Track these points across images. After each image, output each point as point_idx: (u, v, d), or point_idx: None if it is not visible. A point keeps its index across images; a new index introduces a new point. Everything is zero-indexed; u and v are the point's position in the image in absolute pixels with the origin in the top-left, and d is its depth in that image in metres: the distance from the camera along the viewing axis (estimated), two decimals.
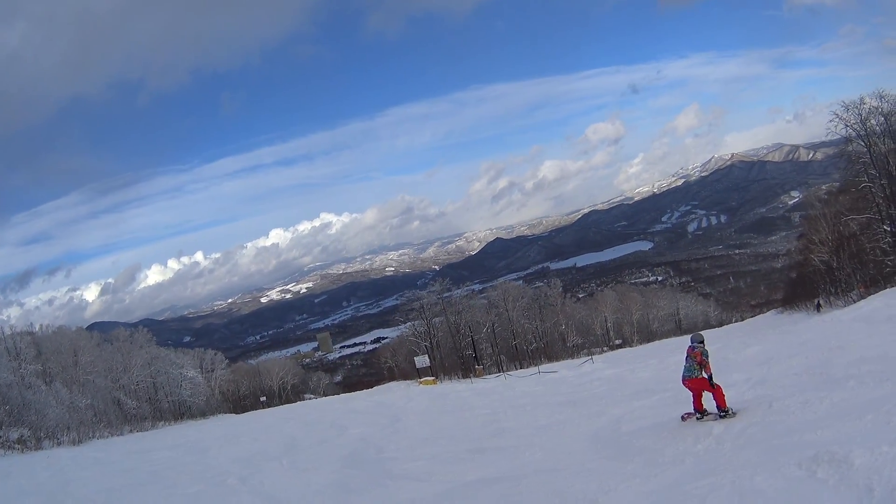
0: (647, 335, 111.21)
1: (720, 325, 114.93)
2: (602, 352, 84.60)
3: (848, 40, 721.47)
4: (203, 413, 71.38)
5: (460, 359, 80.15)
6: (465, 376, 69.00)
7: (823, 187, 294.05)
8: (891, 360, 15.48)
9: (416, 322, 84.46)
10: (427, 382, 60.45)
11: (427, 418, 30.06)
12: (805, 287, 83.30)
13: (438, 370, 72.59)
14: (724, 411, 14.94)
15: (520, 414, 25.23)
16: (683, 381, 15.60)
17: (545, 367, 63.53)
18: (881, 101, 58.36)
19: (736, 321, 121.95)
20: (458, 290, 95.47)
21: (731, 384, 17.87)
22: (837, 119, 59.87)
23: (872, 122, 58.38)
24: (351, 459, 20.27)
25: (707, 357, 15.16)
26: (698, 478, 10.20)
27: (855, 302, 48.39)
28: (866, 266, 62.77)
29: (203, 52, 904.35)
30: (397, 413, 33.64)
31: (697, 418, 15.50)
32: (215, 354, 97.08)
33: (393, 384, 68.23)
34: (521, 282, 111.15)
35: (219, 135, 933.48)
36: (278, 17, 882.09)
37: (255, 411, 68.60)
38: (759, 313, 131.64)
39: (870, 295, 45.55)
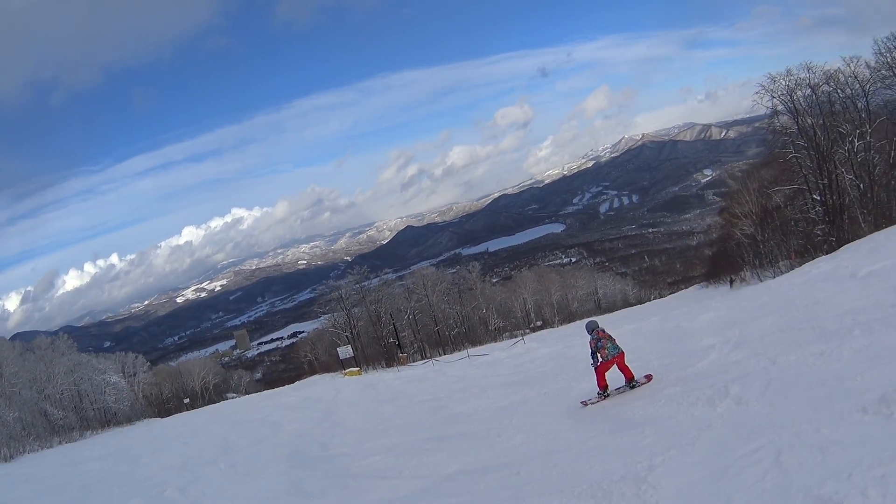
0: (568, 315, 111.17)
1: (639, 302, 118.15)
2: (524, 333, 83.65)
3: (762, 20, 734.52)
4: (129, 419, 68.45)
5: (383, 347, 79.36)
6: (390, 365, 68.46)
7: (740, 163, 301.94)
8: (888, 307, 14.71)
9: (336, 313, 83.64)
10: (352, 373, 59.11)
11: (363, 409, 28.73)
12: (728, 261, 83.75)
13: (361, 360, 71.59)
14: (633, 382, 16.04)
15: (467, 398, 24.06)
16: (611, 359, 15.95)
17: (475, 350, 63.08)
18: (809, 73, 58.49)
19: (655, 298, 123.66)
20: (375, 280, 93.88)
21: (708, 347, 18.09)
22: (763, 90, 59.68)
23: (799, 94, 58.72)
24: (296, 459, 18.88)
25: (601, 344, 16.10)
26: (746, 440, 9.01)
27: (784, 272, 49.79)
28: (792, 237, 64.10)
29: (116, 48, 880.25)
30: (329, 406, 32.40)
31: (606, 395, 16.19)
32: (136, 358, 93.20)
33: (316, 377, 63.84)
34: (434, 269, 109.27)
35: (130, 133, 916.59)
36: (190, 8, 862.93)
37: (179, 414, 64.41)
38: (677, 290, 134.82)
39: (803, 264, 45.52)
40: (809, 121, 58.21)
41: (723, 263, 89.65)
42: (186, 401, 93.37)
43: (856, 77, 57.20)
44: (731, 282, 78.69)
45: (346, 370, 60.95)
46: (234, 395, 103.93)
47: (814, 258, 45.90)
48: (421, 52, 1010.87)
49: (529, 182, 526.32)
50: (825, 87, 58.11)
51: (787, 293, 26.08)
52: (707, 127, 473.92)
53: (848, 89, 57.75)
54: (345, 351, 64.77)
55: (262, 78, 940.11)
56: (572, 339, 38.42)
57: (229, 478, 17.61)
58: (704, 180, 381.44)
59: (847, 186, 55.75)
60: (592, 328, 16.55)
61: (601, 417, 14.33)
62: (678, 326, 26.45)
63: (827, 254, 43.65)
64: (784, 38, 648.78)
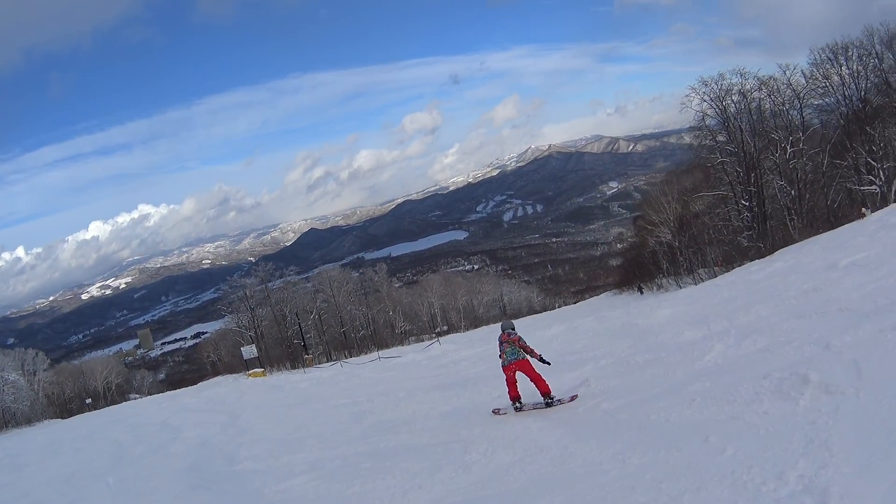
0: (474, 320, 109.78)
1: (545, 309, 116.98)
2: (431, 337, 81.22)
3: (679, 38, 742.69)
4: (29, 419, 65.89)
5: (288, 349, 77.48)
6: (295, 366, 66.77)
7: (646, 176, 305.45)
8: None
9: (240, 313, 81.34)
10: (256, 374, 56.76)
11: (272, 414, 25.03)
12: (642, 269, 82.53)
13: (266, 361, 69.73)
14: (550, 398, 14.47)
15: (395, 402, 20.71)
16: (509, 365, 14.83)
17: (386, 352, 60.62)
18: (742, 79, 58.75)
19: (560, 306, 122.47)
20: (279, 280, 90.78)
21: (700, 340, 16.51)
22: (694, 93, 59.99)
23: (729, 99, 58.91)
24: (196, 475, 15.28)
25: (523, 340, 15.03)
26: None
27: (707, 279, 49.97)
28: (713, 244, 63.31)
29: (38, 31, 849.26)
30: (233, 409, 28.79)
31: (517, 408, 14.84)
32: (36, 355, 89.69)
33: (220, 378, 62.81)
34: (340, 269, 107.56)
35: (42, 122, 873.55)
36: None
37: (81, 415, 61.24)
38: (583, 299, 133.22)
39: (731, 270, 45.18)
40: (740, 126, 58.11)
41: (636, 271, 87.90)
42: (88, 401, 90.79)
43: (790, 85, 57.44)
44: (641, 289, 79.42)
45: (251, 371, 58.89)
46: (137, 395, 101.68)
47: (741, 265, 45.01)
48: (334, 54, 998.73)
49: (434, 188, 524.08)
50: (757, 94, 58.31)
51: (754, 287, 24.58)
52: (615, 140, 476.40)
53: (781, 97, 57.94)
54: (249, 351, 62.28)
55: (177, 72, 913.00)
56: (494, 341, 35.93)
57: (117, 498, 14.34)
58: (610, 192, 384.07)
59: (777, 193, 55.79)
60: (505, 328, 15.44)
61: (613, 425, 11.19)
62: (632, 324, 24.57)
63: (758, 259, 43.35)
64: (700, 57, 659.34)
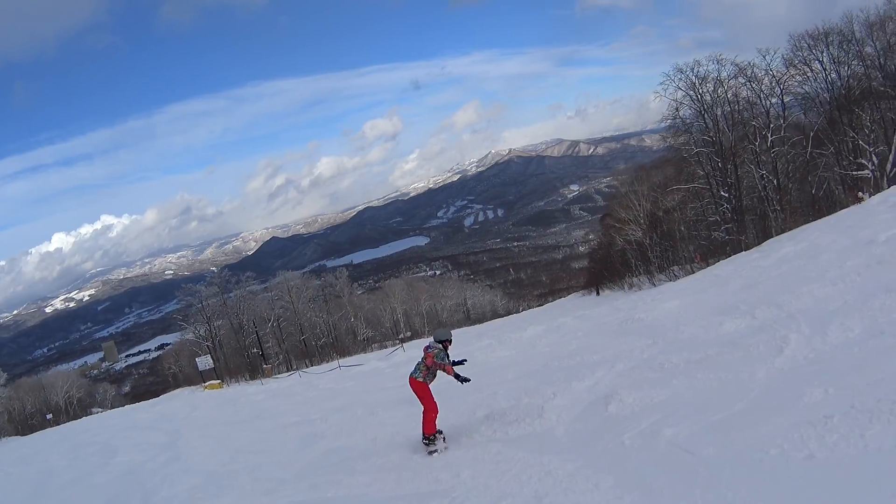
0: (438, 325, 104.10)
1: (508, 313, 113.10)
2: (395, 344, 77.80)
3: (639, 40, 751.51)
4: None
5: (246, 358, 74.98)
6: (254, 377, 64.11)
7: (607, 179, 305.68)
8: None
9: (197, 323, 79.01)
10: (212, 386, 54.49)
11: (215, 434, 21.96)
12: (610, 268, 79.09)
13: (224, 372, 67.97)
14: (426, 437, 12.69)
15: (352, 421, 17.44)
16: (409, 379, 13.03)
17: (347, 360, 57.68)
18: (718, 66, 55.87)
19: (524, 310, 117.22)
20: (243, 290, 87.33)
21: (751, 331, 13.32)
22: (669, 80, 56.77)
23: (705, 87, 56.26)
24: None
25: (442, 358, 12.68)
26: None
27: (683, 276, 48.04)
28: (686, 240, 61.69)
29: None
30: (179, 427, 26.08)
31: (426, 443, 12.69)
32: None
33: (179, 391, 61.80)
34: (300, 275, 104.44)
35: (2, 132, 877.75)
36: (78, 1, 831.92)
37: (40, 431, 58.61)
38: (546, 301, 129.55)
39: (712, 264, 42.50)
40: (716, 115, 55.86)
41: (604, 272, 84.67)
42: (49, 416, 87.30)
43: (769, 71, 55.04)
44: (598, 291, 79.71)
45: (207, 383, 56.65)
46: (100, 409, 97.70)
47: (724, 258, 42.64)
48: (294, 62, 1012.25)
49: (395, 195, 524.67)
50: (734, 82, 55.86)
51: (771, 273, 21.53)
52: (576, 143, 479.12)
53: (760, 84, 55.68)
54: (204, 362, 60.15)
55: (139, 80, 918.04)
56: (471, 344, 32.44)
57: None
58: (571, 195, 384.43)
59: (756, 184, 53.93)
60: (441, 338, 13.02)
61: (701, 470, 7.17)
62: (634, 319, 20.87)
63: (742, 252, 40.30)
64: (661, 59, 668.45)
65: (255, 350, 75.13)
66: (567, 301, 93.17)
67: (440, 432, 12.78)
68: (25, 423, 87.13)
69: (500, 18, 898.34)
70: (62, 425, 59.03)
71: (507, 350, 24.56)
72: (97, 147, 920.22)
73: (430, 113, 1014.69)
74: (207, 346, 73.47)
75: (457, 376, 12.53)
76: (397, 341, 77.61)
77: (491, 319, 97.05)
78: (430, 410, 12.59)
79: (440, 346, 12.84)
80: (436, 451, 12.34)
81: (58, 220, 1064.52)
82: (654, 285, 53.86)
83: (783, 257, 24.43)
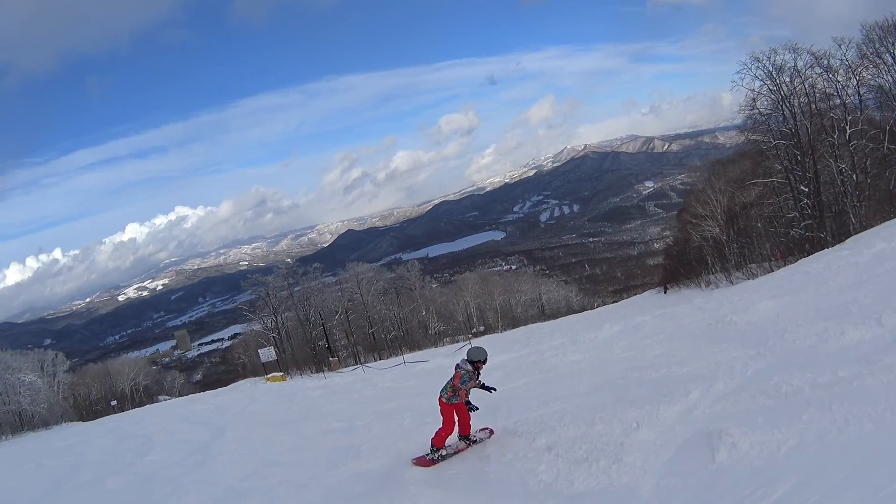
0: (512, 321, 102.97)
1: (583, 309, 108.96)
2: (467, 339, 75.57)
3: (710, 37, 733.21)
4: (46, 422, 63.81)
5: (312, 351, 73.22)
6: (320, 370, 62.09)
7: (682, 176, 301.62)
8: None
9: (263, 314, 78.62)
10: (275, 379, 53.16)
11: (256, 435, 21.10)
12: (686, 266, 75.61)
13: (290, 364, 66.56)
14: (433, 448, 12.28)
15: (395, 435, 15.61)
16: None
17: (413, 356, 55.15)
18: (795, 55, 52.73)
19: (599, 306, 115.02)
20: (306, 282, 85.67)
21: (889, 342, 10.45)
22: (746, 69, 53.57)
23: (782, 78, 52.89)
24: None
25: (464, 382, 11.99)
26: None
27: (772, 271, 43.81)
28: (763, 237, 58.49)
29: (74, 34, 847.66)
30: (227, 423, 25.37)
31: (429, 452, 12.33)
32: (56, 356, 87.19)
33: (243, 382, 60.66)
34: (370, 266, 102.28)
35: (77, 126, 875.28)
36: None
37: (103, 418, 59.40)
38: (621, 298, 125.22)
39: (794, 262, 40.25)
40: (794, 107, 52.44)
41: (680, 269, 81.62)
42: (114, 403, 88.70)
43: (845, 61, 51.92)
44: (665, 289, 79.14)
45: (269, 375, 54.91)
46: (167, 397, 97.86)
47: (801, 257, 41.56)
48: (367, 57, 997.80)
49: (471, 189, 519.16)
50: (809, 72, 52.44)
51: (876, 270, 19.44)
52: (650, 139, 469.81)
53: (835, 75, 52.31)
54: (266, 353, 59.07)
55: (212, 75, 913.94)
56: (538, 344, 30.94)
57: None
58: (646, 192, 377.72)
59: (835, 179, 50.95)
60: (474, 358, 12.15)
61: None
62: (725, 321, 17.98)
63: (824, 248, 38.85)
64: (732, 56, 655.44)
65: (322, 343, 73.54)
66: (642, 298, 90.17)
67: (473, 441, 12.44)
68: (90, 409, 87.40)
69: (572, 14, 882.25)
70: (123, 413, 59.89)
71: (581, 353, 21.77)
72: (171, 140, 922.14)
73: (505, 108, 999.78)
74: (273, 337, 72.18)
75: (467, 403, 12.23)
76: (470, 336, 75.66)
77: (565, 315, 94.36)
78: (447, 426, 12.16)
79: (471, 367, 12.04)
80: (435, 460, 12.04)
81: (132, 211, 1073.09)
82: (732, 283, 51.54)
83: (879, 255, 22.35)
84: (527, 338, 44.95)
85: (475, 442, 12.45)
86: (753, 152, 58.42)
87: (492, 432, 12.67)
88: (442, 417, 12.21)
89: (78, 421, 66.94)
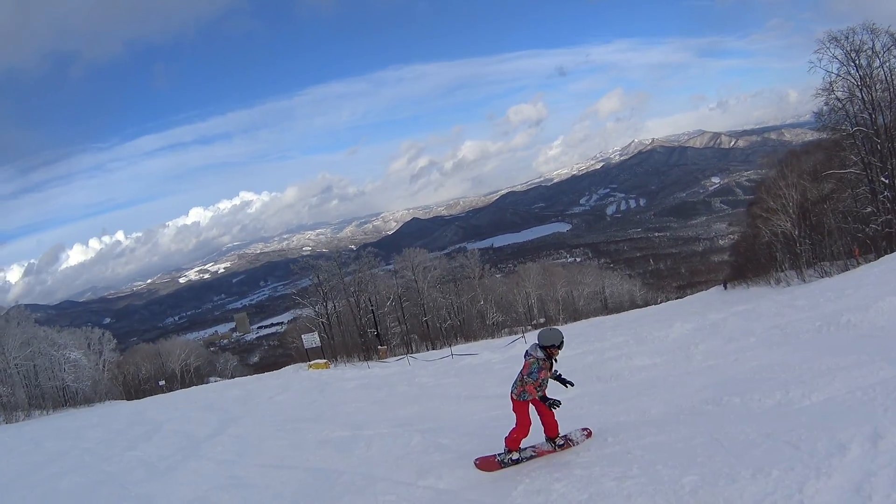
0: (573, 314, 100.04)
1: (646, 304, 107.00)
2: (526, 330, 71.94)
3: (776, 33, 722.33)
4: (89, 400, 63.68)
5: (362, 338, 70.58)
6: (368, 357, 59.69)
7: (748, 172, 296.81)
8: None
9: (314, 299, 76.48)
10: (317, 366, 50.03)
11: (257, 435, 17.59)
12: (755, 262, 72.10)
13: (338, 351, 63.79)
14: (506, 449, 9.98)
15: (396, 458, 11.87)
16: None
17: (460, 348, 51.91)
18: (873, 37, 48.26)
19: (662, 301, 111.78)
20: (358, 268, 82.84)
21: None
22: (824, 48, 49.14)
23: (862, 60, 48.63)
24: None
25: (531, 374, 9.64)
26: None
27: (852, 268, 40.55)
28: (832, 234, 54.14)
29: (140, 22, 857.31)
30: (244, 414, 23.21)
31: (559, 445, 9.99)
32: (104, 334, 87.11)
33: (288, 368, 57.10)
34: (427, 252, 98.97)
35: (141, 112, 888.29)
36: None
37: (148, 398, 58.87)
38: (685, 295, 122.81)
39: (870, 260, 39.13)
40: (875, 92, 48.44)
41: (749, 265, 77.44)
42: (162, 383, 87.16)
43: None
44: (725, 285, 77.90)
45: (312, 362, 51.82)
46: (217, 378, 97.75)
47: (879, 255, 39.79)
48: (436, 47, 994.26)
49: (538, 180, 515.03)
50: (887, 55, 48.23)
51: None
52: (717, 135, 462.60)
53: None
54: (310, 339, 55.98)
55: (278, 64, 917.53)
56: (600, 341, 26.42)
57: None
58: (712, 188, 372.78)
59: None
60: (547, 343, 9.64)
61: None
62: (837, 322, 14.37)
63: None
64: (797, 52, 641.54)
65: (372, 330, 71.22)
66: (708, 294, 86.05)
67: (561, 444, 9.99)
68: (138, 389, 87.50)
69: (641, 7, 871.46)
70: (164, 394, 58.96)
71: (649, 356, 17.82)
72: (236, 127, 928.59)
73: (574, 100, 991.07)
74: (322, 322, 70.80)
75: (544, 398, 9.85)
76: (529, 327, 72.18)
77: (628, 310, 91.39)
78: (521, 427, 9.77)
79: (543, 353, 9.72)
80: (505, 463, 9.87)
81: (196, 196, 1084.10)
82: (805, 281, 48.21)
83: None
84: (586, 332, 40.87)
85: (567, 444, 10.01)
86: (828, 143, 54.91)
87: (590, 433, 10.30)
88: (515, 416, 9.87)
89: (122, 399, 67.67)
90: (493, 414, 13.71)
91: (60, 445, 20.88)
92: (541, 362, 9.66)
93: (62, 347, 68.71)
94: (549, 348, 9.68)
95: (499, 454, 10.00)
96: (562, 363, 19.76)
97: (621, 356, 18.37)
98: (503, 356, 31.74)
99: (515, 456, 9.87)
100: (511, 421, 9.78)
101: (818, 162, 58.10)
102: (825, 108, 51.40)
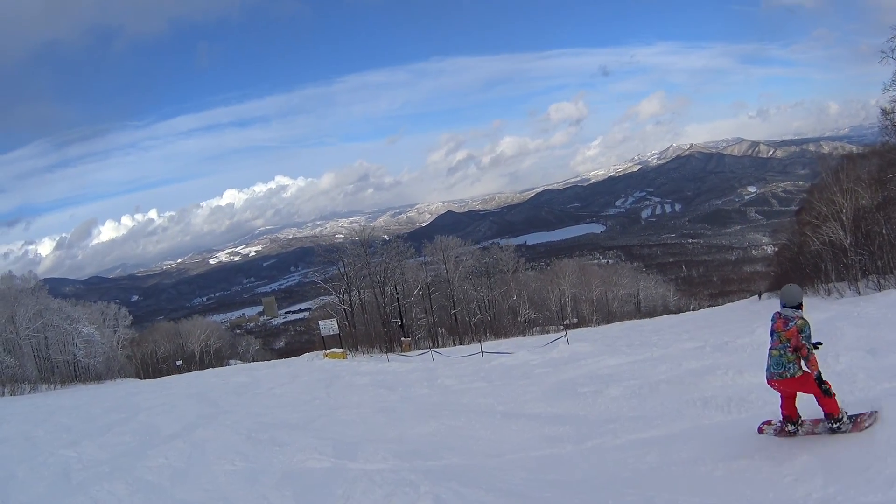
0: (607, 315, 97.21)
1: (679, 310, 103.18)
2: (558, 330, 68.69)
3: (820, 43, 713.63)
4: (100, 376, 60.77)
5: (385, 328, 67.35)
6: (391, 349, 57.00)
7: (785, 184, 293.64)
8: None
9: (338, 284, 73.96)
10: (333, 355, 47.51)
11: (215, 446, 13.38)
12: (800, 271, 66.70)
13: (359, 340, 61.17)
14: (835, 420, 8.42)
15: None
16: (771, 381, 8.71)
17: (490, 345, 47.07)
18: None
19: (694, 308, 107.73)
20: (385, 257, 79.74)
21: None
22: None
23: None
24: None
25: (808, 338, 8.36)
26: None
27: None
28: (884, 246, 49.53)
29: (187, 1, 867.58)
30: (226, 409, 19.96)
31: (791, 431, 8.88)
32: (119, 310, 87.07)
33: (305, 355, 54.37)
34: (460, 240, 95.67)
35: (180, 91, 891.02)
36: None
37: (161, 378, 57.72)
38: (717, 303, 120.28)
39: None
40: None
41: (791, 273, 73.35)
42: (179, 363, 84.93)
43: None
44: (760, 295, 75.65)
45: (329, 351, 49.46)
46: (237, 361, 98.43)
47: None
48: (478, 40, 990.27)
49: (575, 180, 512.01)
50: None
51: None
52: (756, 144, 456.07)
53: None
54: (327, 326, 53.19)
55: (320, 49, 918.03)
56: (661, 345, 23.04)
57: None
58: (748, 196, 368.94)
59: None
60: (784, 302, 8.66)
61: None
62: None
63: None
64: (840, 64, 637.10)
65: (395, 320, 68.36)
66: (750, 303, 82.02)
67: (839, 426, 8.31)
68: (155, 367, 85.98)
69: (685, 10, 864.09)
70: (182, 375, 58.76)
71: (751, 370, 13.21)
72: (275, 110, 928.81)
73: (614, 101, 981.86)
74: (344, 309, 68.97)
75: (818, 375, 8.24)
76: (561, 327, 68.86)
77: (662, 315, 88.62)
78: (825, 395, 8.26)
79: (800, 311, 8.46)
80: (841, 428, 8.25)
81: (231, 178, 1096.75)
82: (859, 293, 44.34)
83: None
84: (624, 335, 38.67)
85: (853, 426, 8.31)
86: (887, 147, 52.20)
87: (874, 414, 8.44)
88: (782, 402, 8.85)
89: (135, 378, 65.96)
90: (545, 453, 9.96)
91: (15, 429, 18.83)
92: (807, 325, 8.41)
93: (75, 321, 67.14)
94: (799, 307, 8.55)
95: (827, 422, 8.52)
96: (626, 371, 16.26)
97: (715, 368, 14.56)
98: (542, 358, 26.93)
99: (837, 423, 8.39)
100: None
101: (874, 168, 54.90)
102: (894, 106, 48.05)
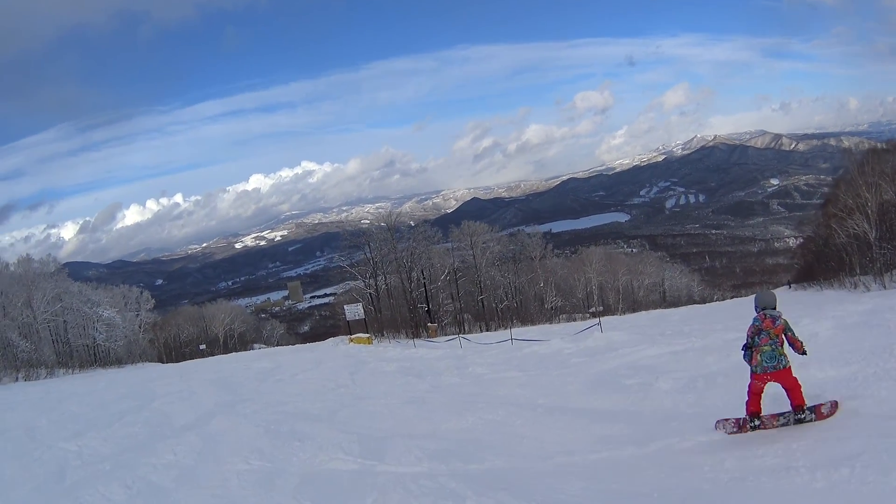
0: (632, 304, 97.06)
1: (703, 301, 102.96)
2: (584, 318, 68.51)
3: (840, 39, 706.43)
4: (120, 360, 61.97)
5: (411, 313, 66.50)
6: (416, 335, 56.46)
7: (807, 177, 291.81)
8: None
9: (364, 268, 73.97)
10: (359, 340, 46.53)
11: (235, 435, 12.97)
12: (825, 264, 66.07)
13: (385, 325, 59.50)
14: (801, 411, 9.08)
15: None
16: (763, 374, 9.13)
17: (518, 332, 44.99)
18: None
19: (718, 299, 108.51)
20: (412, 242, 79.12)
21: None
22: None
23: None
24: None
25: (793, 331, 9.31)
26: None
27: None
28: None
29: None
30: (247, 395, 19.39)
31: (754, 426, 9.34)
32: (141, 293, 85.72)
33: (330, 340, 52.94)
34: (487, 225, 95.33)
35: (205, 76, 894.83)
36: None
37: (184, 362, 57.82)
38: (740, 294, 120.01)
39: None
40: None
41: (818, 266, 72.80)
42: (202, 347, 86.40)
43: None
44: (790, 284, 75.21)
45: (354, 336, 48.33)
46: (262, 345, 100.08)
47: None
48: (504, 28, 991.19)
49: (600, 168, 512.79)
50: None
51: None
52: (778, 137, 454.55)
53: None
54: (353, 311, 51.51)
55: (346, 36, 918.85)
56: (697, 335, 21.66)
57: None
58: (770, 189, 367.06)
59: None
60: (764, 305, 9.41)
61: None
62: None
63: None
64: (859, 61, 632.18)
65: (422, 306, 67.90)
66: (779, 293, 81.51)
67: (803, 416, 8.99)
68: (179, 351, 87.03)
69: (709, 2, 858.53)
70: (200, 359, 58.02)
71: (824, 364, 11.80)
72: (300, 97, 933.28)
73: (640, 91, 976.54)
74: (370, 294, 69.03)
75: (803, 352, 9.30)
76: (588, 314, 68.81)
77: (686, 305, 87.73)
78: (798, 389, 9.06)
79: (778, 312, 9.32)
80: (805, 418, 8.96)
81: (257, 163, 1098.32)
82: (885, 287, 43.74)
83: None
84: (654, 323, 38.45)
85: (815, 417, 9.04)
86: None
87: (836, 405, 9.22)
88: (751, 398, 9.41)
89: (157, 362, 67.49)
90: (602, 457, 9.08)
91: (18, 418, 18.40)
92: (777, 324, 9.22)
93: (96, 305, 66.87)
94: (772, 312, 9.36)
95: (795, 413, 9.15)
96: (670, 362, 16.15)
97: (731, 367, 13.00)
98: (577, 346, 25.47)
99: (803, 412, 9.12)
100: None
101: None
102: None
